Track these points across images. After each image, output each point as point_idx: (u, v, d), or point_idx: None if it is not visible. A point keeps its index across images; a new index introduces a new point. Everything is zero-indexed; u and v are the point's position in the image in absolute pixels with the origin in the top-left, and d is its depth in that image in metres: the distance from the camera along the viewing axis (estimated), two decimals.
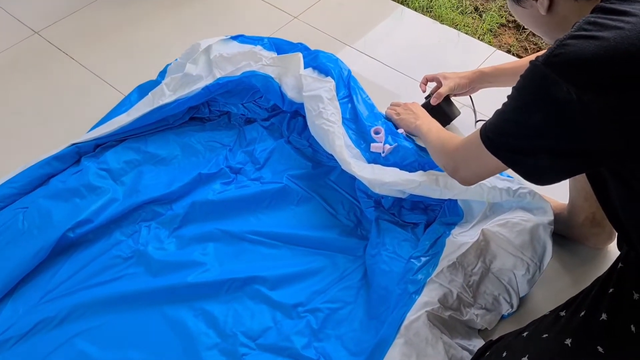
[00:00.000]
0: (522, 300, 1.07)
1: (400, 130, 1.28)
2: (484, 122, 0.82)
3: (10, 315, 1.09)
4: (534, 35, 1.76)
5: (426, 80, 1.39)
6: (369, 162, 1.22)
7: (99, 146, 1.32)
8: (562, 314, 0.85)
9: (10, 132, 1.43)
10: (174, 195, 1.26)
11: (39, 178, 1.24)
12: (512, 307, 1.04)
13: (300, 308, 1.10)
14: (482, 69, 1.32)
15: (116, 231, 1.22)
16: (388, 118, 1.33)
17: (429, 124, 1.19)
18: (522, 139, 0.76)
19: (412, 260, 1.05)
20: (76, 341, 1.06)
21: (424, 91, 1.40)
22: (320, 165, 1.34)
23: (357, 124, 1.29)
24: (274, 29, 1.69)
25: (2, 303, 1.10)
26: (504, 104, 0.78)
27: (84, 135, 1.33)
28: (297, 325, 1.07)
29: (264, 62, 1.36)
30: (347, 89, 1.34)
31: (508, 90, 0.78)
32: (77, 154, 1.30)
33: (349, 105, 1.31)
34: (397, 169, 1.18)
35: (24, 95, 1.53)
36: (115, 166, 1.27)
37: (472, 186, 1.07)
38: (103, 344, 1.06)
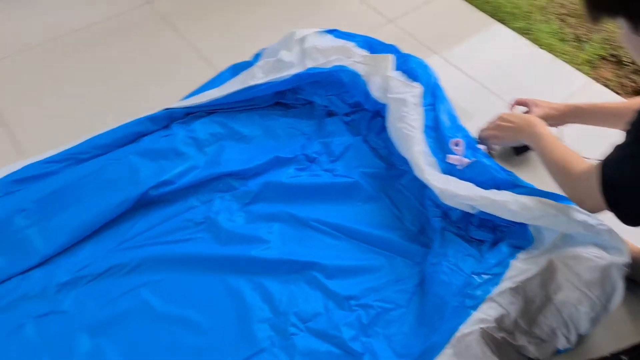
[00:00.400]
0: (581, 338, 1.04)
1: (481, 147, 1.28)
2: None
3: (88, 256, 1.18)
4: (636, 72, 1.69)
5: (516, 103, 1.37)
6: (444, 173, 1.23)
7: (189, 114, 1.39)
8: (624, 358, 0.83)
9: (111, 91, 1.54)
10: (250, 172, 1.31)
11: (132, 135, 1.33)
12: (569, 343, 1.01)
13: (352, 301, 1.12)
14: (578, 104, 1.25)
15: (192, 197, 1.29)
16: (483, 138, 1.31)
17: (551, 136, 1.11)
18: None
19: (473, 275, 1.05)
20: (142, 290, 1.13)
21: None
22: (393, 167, 1.35)
23: (438, 133, 1.29)
24: (367, 29, 1.72)
25: (83, 243, 1.20)
26: (626, 143, 0.77)
27: (176, 102, 1.41)
28: (347, 316, 1.10)
29: (355, 59, 1.39)
30: (433, 97, 1.35)
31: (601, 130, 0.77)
32: (168, 119, 1.38)
33: (432, 113, 1.32)
34: (472, 184, 1.18)
35: (127, 58, 1.64)
36: (201, 136, 1.34)
37: (547, 214, 1.06)
38: (165, 297, 1.13)
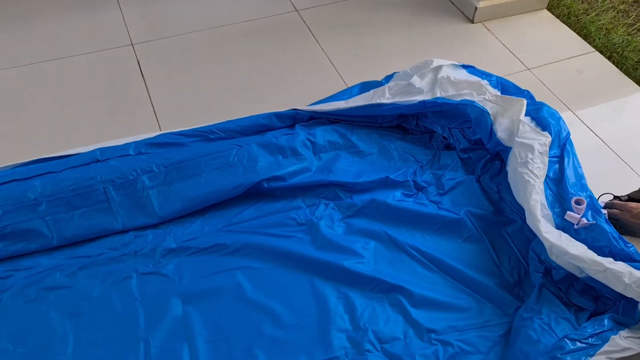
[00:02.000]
0: None
1: (604, 211, 1.21)
2: None
3: (197, 230, 1.28)
4: None
5: None
6: (557, 229, 1.17)
7: (313, 119, 1.46)
8: None
9: (248, 83, 1.66)
10: (358, 186, 1.35)
11: (258, 127, 1.42)
12: None
13: (433, 335, 1.11)
14: None
15: (299, 198, 1.34)
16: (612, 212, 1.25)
17: None
18: None
19: (566, 339, 1.00)
20: (237, 273, 1.20)
21: None
22: (502, 214, 1.32)
23: (559, 187, 1.24)
24: (503, 72, 1.70)
25: (194, 217, 1.29)
26: None
27: (305, 106, 1.49)
28: (425, 348, 1.09)
29: (487, 97, 1.38)
30: (561, 149, 1.30)
31: None
32: (293, 119, 1.45)
33: (557, 165, 1.27)
34: (585, 247, 1.12)
35: (269, 57, 1.76)
36: (320, 142, 1.40)
37: None
38: (257, 284, 1.18)
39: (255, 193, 1.33)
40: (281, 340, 1.10)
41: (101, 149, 1.33)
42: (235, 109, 1.52)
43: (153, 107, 1.58)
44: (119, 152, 1.33)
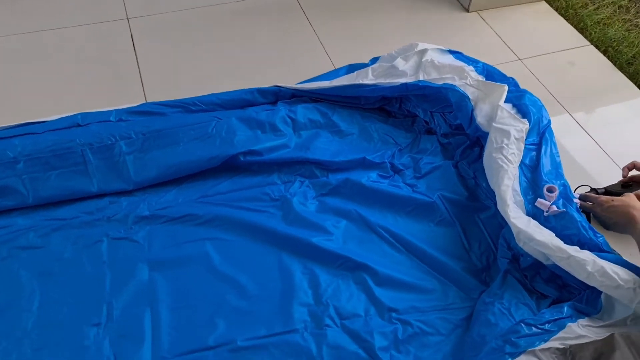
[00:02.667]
0: None
1: (577, 201, 1.20)
2: None
3: (171, 199, 1.29)
4: None
5: (632, 166, 1.27)
6: (528, 215, 1.17)
7: (295, 97, 1.46)
8: None
9: (235, 59, 1.67)
10: (334, 165, 1.35)
11: (240, 101, 1.42)
12: None
13: (394, 314, 1.11)
14: None
15: (275, 174, 1.35)
16: (584, 205, 1.23)
17: None
18: None
19: (522, 324, 0.99)
20: (207, 243, 1.21)
21: (625, 177, 1.28)
22: (476, 199, 1.32)
23: (534, 175, 1.23)
24: (494, 62, 1.68)
25: (169, 187, 1.31)
26: None
27: (288, 84, 1.49)
28: (384, 326, 1.09)
29: (468, 81, 1.37)
30: (540, 137, 1.28)
31: None
32: (276, 96, 1.46)
33: (534, 153, 1.26)
34: (553, 234, 1.11)
35: (259, 34, 1.76)
36: (300, 119, 1.40)
37: (627, 287, 0.97)
38: (225, 256, 1.19)
39: (232, 167, 1.34)
40: (243, 311, 1.11)
41: (82, 114, 1.34)
42: (220, 83, 1.53)
43: (142, 81, 1.59)
44: (100, 117, 1.34)
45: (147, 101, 1.51)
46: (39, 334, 1.06)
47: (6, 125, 1.34)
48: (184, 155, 1.30)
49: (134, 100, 1.48)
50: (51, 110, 1.43)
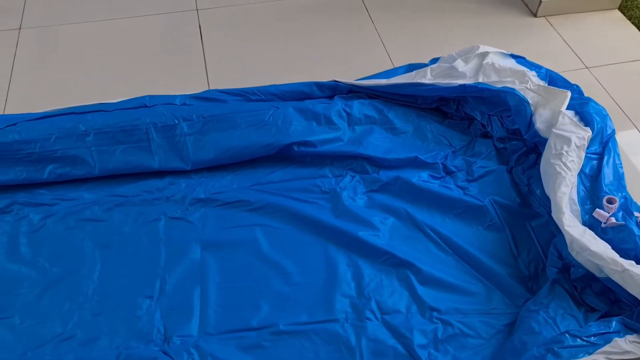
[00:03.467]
0: None
1: (637, 215, 1.15)
2: None
3: (226, 185, 1.34)
4: None
5: None
6: (584, 225, 1.13)
7: (352, 93, 1.48)
8: None
9: (297, 53, 1.71)
10: (386, 162, 1.36)
11: (298, 93, 1.46)
12: None
13: (435, 313, 1.11)
14: None
15: (327, 167, 1.38)
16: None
17: None
18: None
19: (567, 334, 0.97)
20: (256, 229, 1.26)
21: None
22: (528, 206, 1.29)
23: (593, 184, 1.19)
24: (559, 69, 1.63)
25: (225, 172, 1.36)
26: None
27: (347, 80, 1.51)
28: (425, 324, 1.09)
29: (529, 85, 1.34)
30: (602, 147, 1.24)
31: None
32: (333, 90, 1.48)
33: (595, 162, 1.22)
34: (609, 246, 1.07)
35: (322, 33, 1.79)
36: (355, 114, 1.42)
37: None
38: (273, 242, 1.23)
39: (286, 157, 1.38)
40: (287, 296, 1.15)
41: (150, 96, 1.41)
42: (281, 78, 1.57)
43: (206, 69, 1.66)
44: (165, 100, 1.41)
45: (210, 87, 1.58)
46: (98, 300, 1.14)
47: (82, 104, 1.44)
48: (240, 140, 1.34)
49: (197, 88, 1.55)
50: (122, 92, 1.52)
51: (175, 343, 1.08)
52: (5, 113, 1.52)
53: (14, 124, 1.33)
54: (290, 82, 1.51)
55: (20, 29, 1.77)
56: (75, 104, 1.43)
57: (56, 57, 1.69)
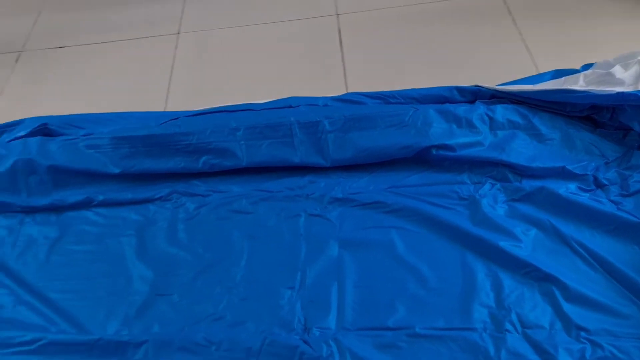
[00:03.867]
0: None
1: None
2: None
3: (363, 186, 1.37)
4: None
5: None
6: None
7: (496, 97, 1.44)
8: None
9: (436, 57, 1.71)
10: (530, 171, 1.31)
11: (438, 97, 1.45)
12: None
13: (583, 333, 1.06)
14: None
15: (466, 173, 1.35)
16: None
17: None
18: None
19: None
20: (392, 231, 1.27)
21: None
22: None
23: None
24: None
25: (362, 174, 1.39)
26: None
27: (488, 85, 1.48)
28: (571, 344, 1.04)
29: None
30: None
31: None
32: (474, 95, 1.45)
33: None
34: None
35: (460, 37, 1.76)
36: (498, 118, 1.38)
37: None
38: (409, 245, 1.24)
39: (423, 160, 1.38)
40: (423, 300, 1.15)
41: (294, 98, 1.50)
42: (420, 83, 1.57)
43: (345, 73, 1.71)
44: (309, 101, 1.48)
45: (348, 91, 1.62)
46: (245, 287, 1.23)
47: (226, 105, 1.56)
48: (379, 140, 1.36)
49: (336, 91, 1.60)
50: (266, 93, 1.62)
51: (314, 334, 1.13)
52: (166, 110, 1.69)
53: (176, 119, 1.49)
54: (429, 87, 1.51)
55: (179, 33, 1.96)
56: (226, 103, 1.55)
57: (210, 59, 1.85)
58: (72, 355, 1.16)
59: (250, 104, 1.52)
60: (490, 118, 1.39)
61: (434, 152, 1.35)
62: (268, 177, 1.44)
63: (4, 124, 1.53)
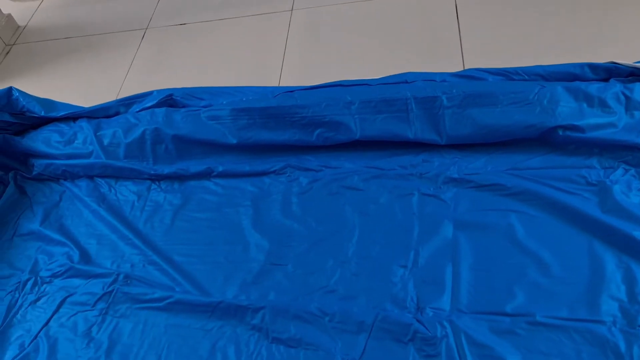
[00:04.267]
0: None
1: None
2: None
3: (480, 167, 1.32)
4: None
5: None
6: None
7: (634, 75, 1.32)
8: None
9: (564, 36, 1.59)
10: None
11: (567, 74, 1.36)
12: None
13: None
14: None
15: (594, 157, 1.25)
16: None
17: None
18: None
19: None
20: (512, 215, 1.22)
21: None
22: None
23: None
24: None
25: (480, 154, 1.33)
26: None
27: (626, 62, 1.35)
28: None
29: None
30: None
31: None
32: (609, 72, 1.32)
33: None
34: None
35: (589, 8, 1.64)
36: (636, 98, 1.23)
37: None
38: (529, 231, 1.19)
39: (546, 142, 1.30)
40: (544, 288, 1.10)
41: (410, 73, 1.46)
42: (544, 59, 1.47)
43: (461, 48, 1.65)
44: (425, 77, 1.44)
45: (465, 68, 1.56)
46: (356, 262, 1.24)
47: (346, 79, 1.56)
48: (500, 118, 1.30)
49: (451, 67, 1.55)
50: (379, 69, 1.60)
51: (427, 314, 1.12)
52: (280, 85, 1.73)
53: (292, 91, 1.51)
54: (555, 63, 1.41)
55: (292, 10, 1.99)
56: (338, 78, 1.55)
57: (322, 35, 1.86)
58: (196, 315, 1.24)
59: (365, 79, 1.51)
60: (627, 97, 1.27)
61: (560, 132, 1.27)
62: (380, 155, 1.43)
63: (135, 95, 1.64)
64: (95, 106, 1.64)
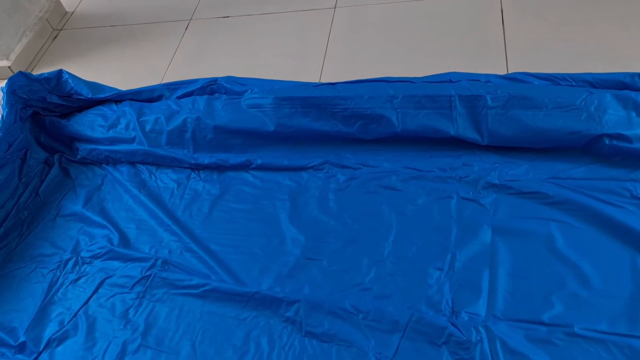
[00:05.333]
0: None
1: None
2: None
3: (521, 173, 1.30)
4: None
5: None
6: None
7: None
8: None
9: (613, 45, 1.56)
10: None
11: (616, 83, 1.34)
12: None
13: None
14: None
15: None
16: None
17: None
18: None
19: None
20: (552, 224, 1.21)
21: None
22: None
23: None
24: None
25: (522, 161, 1.32)
26: None
27: None
28: None
29: None
30: None
31: None
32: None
33: None
34: None
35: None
36: None
37: None
38: (570, 241, 1.18)
39: (591, 151, 1.28)
40: (583, 299, 1.09)
41: (455, 73, 1.46)
42: (592, 68, 1.45)
43: (506, 52, 1.63)
44: (470, 77, 1.43)
45: (508, 72, 1.55)
46: (392, 262, 1.25)
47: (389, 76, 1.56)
48: (544, 122, 1.28)
49: (495, 70, 1.54)
50: (422, 68, 1.60)
51: (463, 318, 1.12)
52: (320, 81, 1.74)
53: (334, 84, 1.52)
54: (599, 72, 1.39)
55: (335, 7, 1.99)
56: (381, 76, 1.55)
57: (365, 33, 1.86)
58: (231, 303, 1.26)
59: (409, 77, 1.51)
60: None
61: (606, 141, 1.25)
62: (419, 155, 1.42)
63: (181, 80, 1.67)
64: (140, 88, 1.68)
